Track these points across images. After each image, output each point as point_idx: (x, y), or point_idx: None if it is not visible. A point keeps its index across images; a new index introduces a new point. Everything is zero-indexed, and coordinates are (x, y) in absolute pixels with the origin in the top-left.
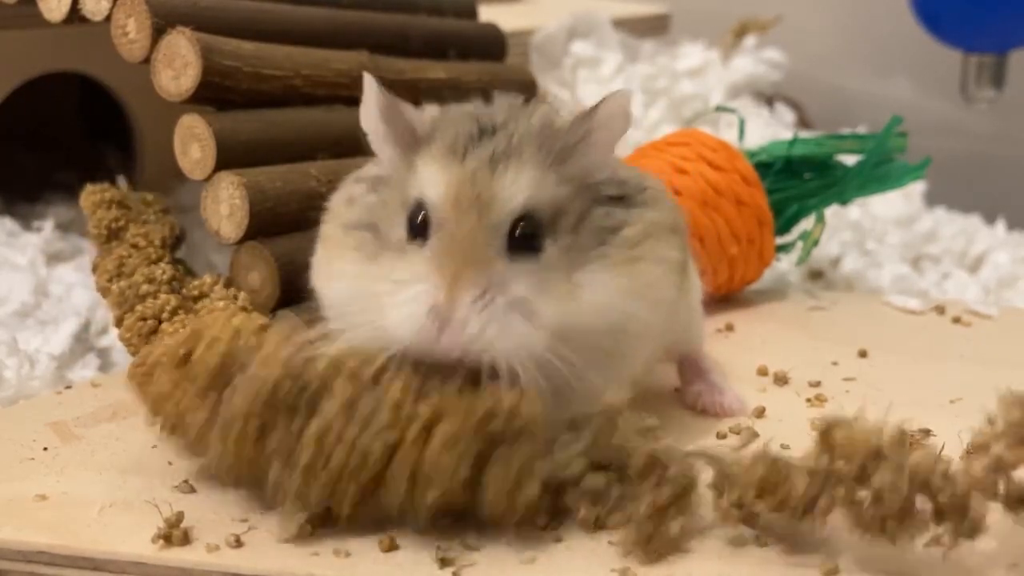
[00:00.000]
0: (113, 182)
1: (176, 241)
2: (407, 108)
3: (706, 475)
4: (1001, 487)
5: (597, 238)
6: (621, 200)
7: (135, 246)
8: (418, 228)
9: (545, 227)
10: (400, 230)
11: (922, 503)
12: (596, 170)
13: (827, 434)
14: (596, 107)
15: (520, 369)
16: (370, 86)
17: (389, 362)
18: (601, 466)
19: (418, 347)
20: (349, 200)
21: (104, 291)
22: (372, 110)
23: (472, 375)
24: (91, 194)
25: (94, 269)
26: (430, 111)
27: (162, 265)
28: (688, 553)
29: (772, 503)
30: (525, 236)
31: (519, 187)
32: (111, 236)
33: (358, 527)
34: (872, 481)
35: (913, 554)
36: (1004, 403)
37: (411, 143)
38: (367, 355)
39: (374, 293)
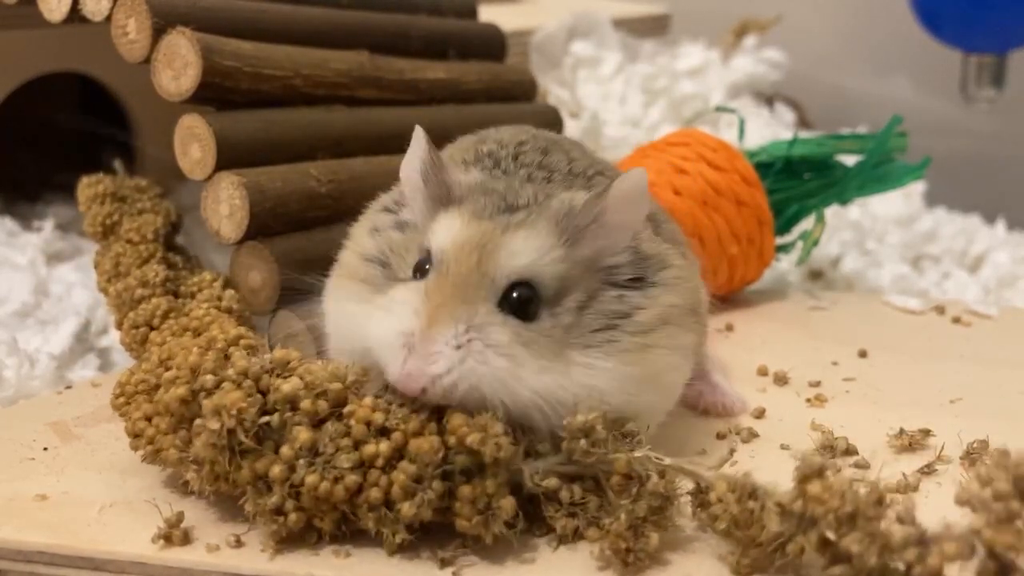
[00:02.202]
0: (110, 168)
1: (172, 228)
2: (449, 168)
3: (687, 483)
4: (977, 560)
5: (606, 322)
6: (638, 281)
7: (129, 241)
8: (420, 271)
9: (544, 300)
10: (407, 272)
11: (895, 564)
12: (610, 252)
13: (803, 483)
14: (608, 190)
15: (484, 409)
16: (419, 140)
17: (346, 394)
18: (576, 478)
19: (387, 365)
20: (373, 230)
21: (104, 291)
22: (415, 165)
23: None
24: (86, 187)
25: (95, 267)
26: (472, 176)
27: (154, 265)
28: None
29: (744, 538)
30: (520, 300)
31: (526, 249)
32: (107, 232)
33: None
34: (840, 545)
35: None
36: (996, 462)
37: (444, 202)
38: (322, 389)
39: (361, 316)
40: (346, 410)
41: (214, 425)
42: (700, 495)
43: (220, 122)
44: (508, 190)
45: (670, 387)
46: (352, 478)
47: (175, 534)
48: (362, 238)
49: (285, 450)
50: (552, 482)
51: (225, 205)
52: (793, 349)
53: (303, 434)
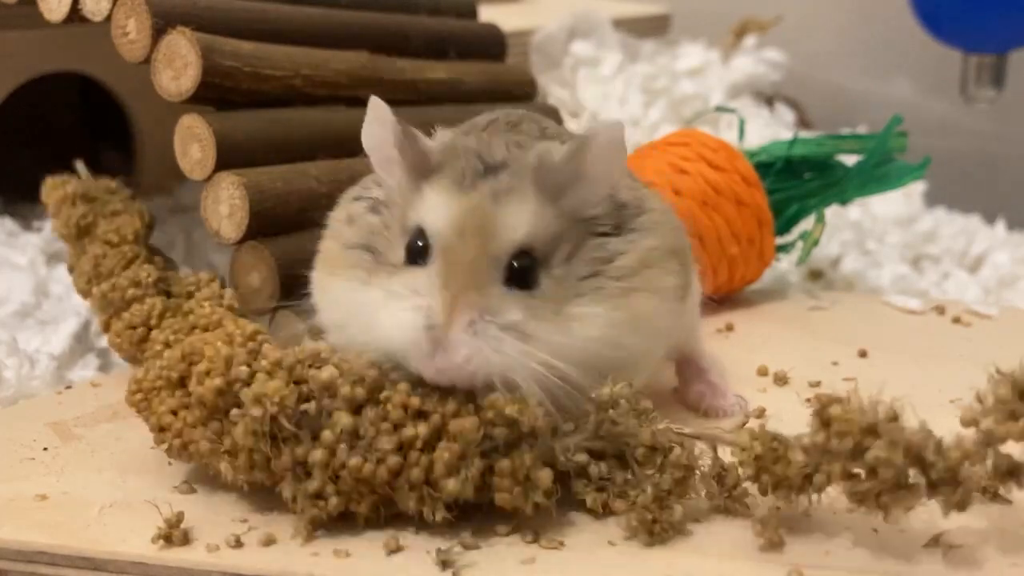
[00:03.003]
0: (72, 170)
1: (148, 230)
2: (420, 136)
3: (705, 459)
4: (990, 461)
5: (591, 269)
6: (617, 228)
7: (108, 243)
8: (417, 252)
9: (541, 261)
10: (399, 253)
11: (915, 477)
12: (592, 204)
13: (823, 411)
14: (587, 142)
15: (515, 387)
16: (380, 110)
17: (383, 380)
18: (603, 454)
19: (410, 360)
20: (349, 219)
21: (84, 294)
22: (385, 136)
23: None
24: (53, 189)
25: (71, 271)
26: (440, 138)
27: (146, 267)
28: (686, 553)
29: (770, 480)
30: (522, 269)
31: (520, 221)
32: (81, 233)
33: (358, 527)
34: (867, 456)
35: (914, 555)
36: (992, 381)
37: (421, 171)
38: (359, 376)
39: (368, 306)
40: (383, 396)
41: (257, 412)
42: (718, 463)
43: (220, 122)
44: (481, 146)
45: (656, 330)
46: (394, 459)
47: (175, 534)
48: (340, 228)
49: (327, 434)
50: (582, 457)
51: (225, 205)
52: (793, 349)
53: (344, 419)
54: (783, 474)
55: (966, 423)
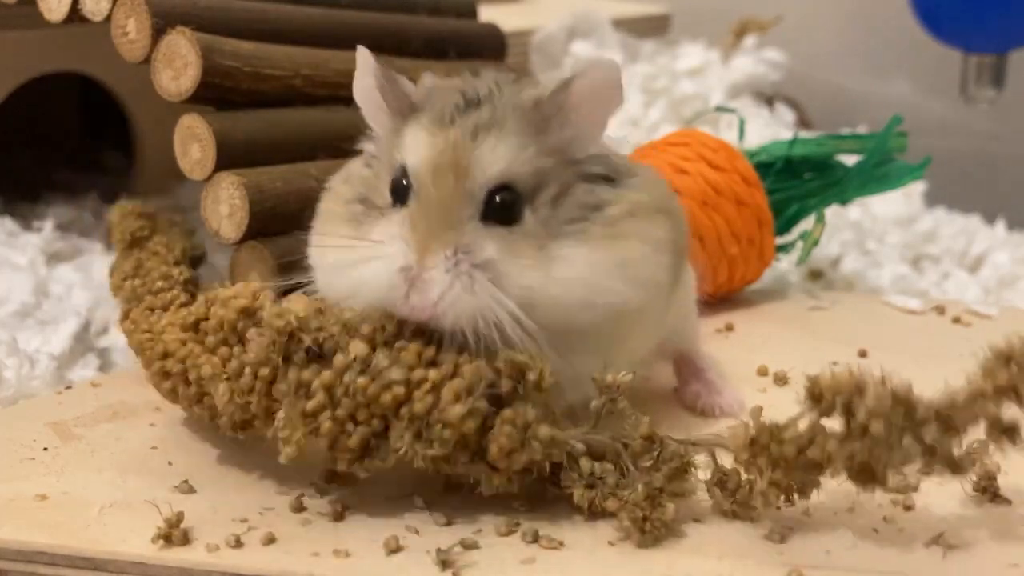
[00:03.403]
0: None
1: (195, 259)
2: (401, 79)
3: (705, 468)
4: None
5: (578, 213)
6: (608, 180)
7: (155, 253)
8: (400, 192)
9: (524, 198)
10: (386, 196)
11: (908, 442)
12: (579, 143)
13: (813, 383)
14: (575, 77)
15: (483, 333)
16: (365, 58)
17: (402, 329)
18: (598, 453)
19: (389, 304)
20: (347, 178)
21: (117, 289)
22: (368, 81)
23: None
24: (121, 208)
25: (112, 272)
26: (426, 81)
27: (180, 268)
28: (685, 552)
29: (766, 462)
30: (503, 205)
31: (498, 155)
32: (134, 244)
33: (358, 527)
34: (857, 413)
35: (914, 555)
36: (996, 353)
37: (405, 112)
38: (380, 320)
39: (353, 260)
40: (398, 344)
41: (279, 323)
42: (719, 470)
43: (220, 122)
44: (465, 84)
45: (640, 278)
46: (400, 388)
47: (175, 534)
48: (339, 186)
49: (339, 358)
50: (579, 447)
51: (225, 205)
52: (793, 349)
53: (360, 346)
54: (778, 453)
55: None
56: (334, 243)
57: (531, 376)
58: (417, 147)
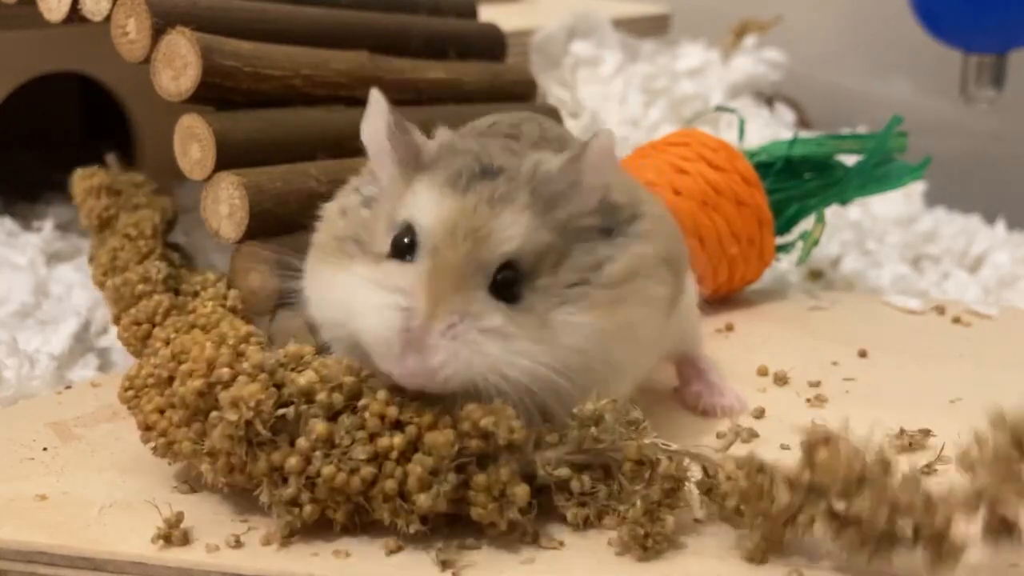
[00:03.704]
0: (103, 163)
1: (168, 226)
2: (414, 130)
3: (695, 471)
4: (981, 516)
5: (578, 276)
6: (608, 232)
7: (127, 236)
8: (403, 248)
9: (525, 275)
10: (383, 243)
11: (902, 529)
12: (584, 214)
13: (810, 453)
14: (581, 154)
15: (490, 393)
16: (378, 103)
17: (361, 387)
18: (586, 467)
19: (380, 358)
20: (342, 211)
21: (100, 285)
22: (379, 127)
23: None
24: (81, 180)
25: (90, 261)
26: (439, 137)
27: (156, 262)
28: (685, 554)
29: (753, 512)
30: (506, 282)
31: (514, 232)
32: (103, 225)
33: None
34: (851, 508)
35: (914, 554)
36: (993, 422)
37: (411, 165)
38: (338, 382)
39: (347, 287)
40: (360, 403)
41: (232, 416)
42: (707, 479)
43: (220, 122)
44: (481, 150)
45: (643, 341)
46: (368, 469)
47: (175, 534)
48: (334, 219)
49: (301, 442)
50: (564, 471)
51: (225, 205)
52: (793, 349)
53: (320, 426)
54: (767, 510)
55: (963, 467)
56: (329, 277)
57: (500, 438)
58: (430, 207)
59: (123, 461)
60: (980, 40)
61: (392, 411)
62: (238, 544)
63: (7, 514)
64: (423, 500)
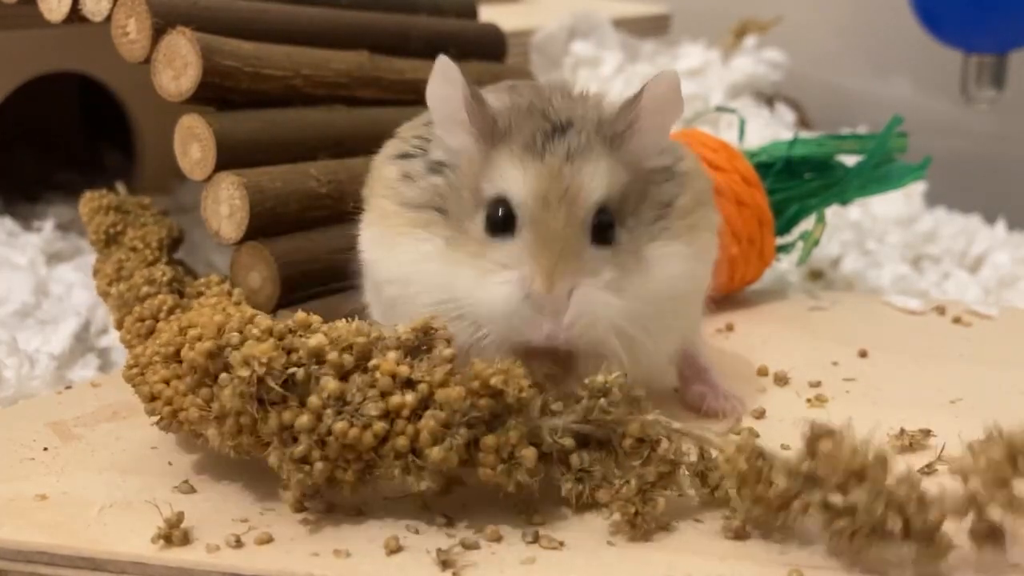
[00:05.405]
0: (112, 187)
1: (174, 243)
2: (488, 100)
3: (692, 454)
4: (971, 521)
5: (656, 212)
6: (667, 171)
7: (133, 249)
8: (499, 223)
9: (616, 215)
10: (476, 222)
11: (893, 524)
12: (648, 152)
13: (812, 443)
14: (641, 93)
15: (612, 348)
16: (450, 70)
17: (371, 348)
18: (589, 440)
19: (512, 331)
20: (405, 176)
21: (104, 295)
22: (452, 95)
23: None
24: (89, 201)
25: (95, 274)
26: (498, 99)
27: (161, 266)
28: (685, 553)
29: (750, 495)
30: (602, 227)
31: (598, 182)
32: (109, 241)
33: (358, 527)
34: (847, 498)
35: (914, 555)
36: (988, 438)
37: (489, 136)
38: (347, 343)
39: (457, 276)
40: (371, 363)
41: (244, 372)
42: (702, 461)
43: (220, 122)
44: (545, 105)
45: (711, 263)
46: (380, 425)
47: (175, 534)
48: (395, 185)
49: (313, 399)
50: (568, 440)
51: (225, 205)
52: (793, 349)
53: (331, 384)
54: (763, 494)
55: (956, 474)
56: (424, 253)
57: (510, 398)
58: (518, 178)
59: (123, 461)
60: (980, 40)
61: (403, 370)
62: (238, 544)
63: (7, 514)
64: (435, 453)
